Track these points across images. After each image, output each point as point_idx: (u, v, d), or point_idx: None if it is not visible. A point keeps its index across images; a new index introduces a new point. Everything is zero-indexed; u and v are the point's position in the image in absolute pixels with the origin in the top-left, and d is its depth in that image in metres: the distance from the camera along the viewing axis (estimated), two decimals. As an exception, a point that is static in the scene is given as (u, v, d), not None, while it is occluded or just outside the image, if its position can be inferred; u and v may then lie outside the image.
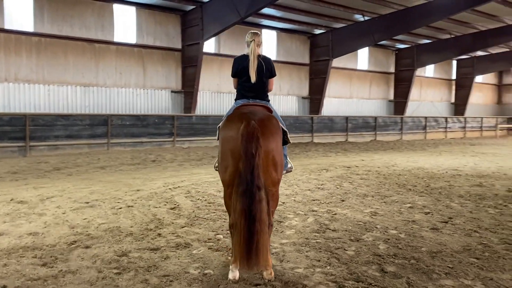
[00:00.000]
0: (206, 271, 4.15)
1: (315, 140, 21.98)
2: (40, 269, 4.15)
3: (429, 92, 32.87)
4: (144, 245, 4.93)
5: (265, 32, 22.78)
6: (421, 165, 13.39)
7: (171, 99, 19.44)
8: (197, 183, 9.36)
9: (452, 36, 25.98)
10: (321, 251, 4.78)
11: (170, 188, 8.62)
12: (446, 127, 30.03)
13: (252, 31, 4.77)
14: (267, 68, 4.59)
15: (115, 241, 5.07)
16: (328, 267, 4.27)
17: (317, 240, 5.17)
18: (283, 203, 7.33)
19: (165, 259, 4.49)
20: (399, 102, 29.05)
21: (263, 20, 21.41)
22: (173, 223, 5.95)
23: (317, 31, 23.87)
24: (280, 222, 6.06)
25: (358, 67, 27.54)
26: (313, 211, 6.74)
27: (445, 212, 6.79)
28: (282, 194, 8.02)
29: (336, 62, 24.27)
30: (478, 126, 32.84)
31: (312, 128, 22.02)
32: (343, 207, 7.07)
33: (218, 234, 5.41)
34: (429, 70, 32.58)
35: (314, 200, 7.57)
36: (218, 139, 4.31)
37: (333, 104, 26.10)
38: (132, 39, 18.30)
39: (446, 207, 7.13)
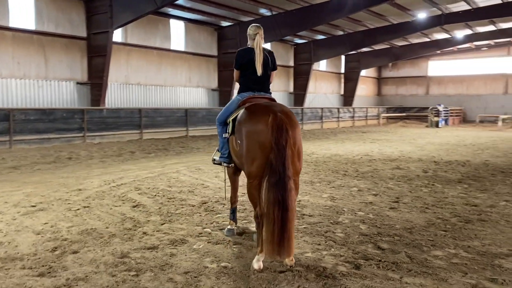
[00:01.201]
0: (222, 264, 4.16)
1: (227, 132, 22.18)
2: (43, 280, 3.78)
3: (323, 85, 35.22)
4: (138, 245, 4.72)
5: (173, 22, 22.29)
6: (335, 152, 14.46)
7: (77, 91, 18.04)
8: (139, 179, 9.00)
9: (345, 33, 28.16)
10: (314, 235, 5.07)
11: (114, 186, 8.17)
12: (338, 117, 32.53)
13: (254, 24, 4.83)
14: (271, 61, 4.70)
15: (102, 244, 4.76)
16: (332, 249, 4.57)
17: (303, 226, 5.45)
18: (243, 193, 7.47)
19: (171, 256, 4.38)
20: (298, 94, 30.68)
21: (171, 9, 20.91)
22: (149, 220, 5.74)
23: (225, 24, 24.03)
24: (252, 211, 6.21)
25: (262, 60, 28.37)
26: (277, 199, 7.00)
27: (389, 193, 7.57)
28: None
29: (242, 55, 24.67)
30: (364, 116, 36.10)
31: (223, 120, 22.17)
32: (301, 194, 7.44)
33: (205, 228, 5.39)
34: (322, 65, 34.86)
35: (270, 190, 7.82)
36: (231, 133, 4.31)
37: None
38: (31, 26, 16.53)
39: (387, 189, 7.94)
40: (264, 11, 22.44)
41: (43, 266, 4.10)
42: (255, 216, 4.09)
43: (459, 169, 10.48)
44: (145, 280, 3.78)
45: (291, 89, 31.12)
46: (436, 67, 40.69)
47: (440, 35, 32.10)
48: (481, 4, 23.66)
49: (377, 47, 34.13)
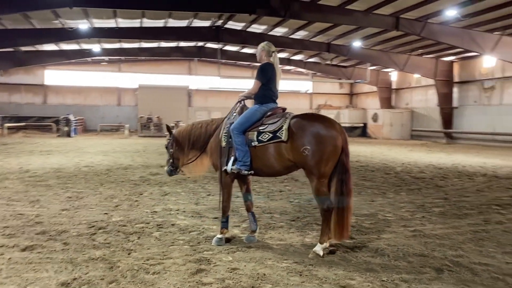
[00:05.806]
0: (290, 261, 4.51)
1: None
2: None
3: None
4: (180, 276, 4.12)
5: None
6: (57, 165, 12.78)
7: None
8: None
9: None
10: (275, 228, 5.87)
11: None
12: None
13: (268, 42, 5.14)
14: (277, 76, 5.22)
15: (138, 285, 3.82)
16: (308, 233, 5.66)
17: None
18: (119, 205, 6.65)
19: (237, 270, 4.24)
20: None
21: None
22: (104, 255, 4.62)
23: None
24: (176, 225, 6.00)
25: None
26: (169, 209, 6.81)
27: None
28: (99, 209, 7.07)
29: None
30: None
31: None
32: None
33: (183, 245, 5.03)
34: None
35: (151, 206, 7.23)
36: (286, 140, 4.61)
37: None
38: None
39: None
40: None
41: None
42: (325, 210, 4.66)
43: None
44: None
45: None
46: (53, 76, 40.32)
47: (70, 46, 32.40)
48: (122, 25, 26.26)
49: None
